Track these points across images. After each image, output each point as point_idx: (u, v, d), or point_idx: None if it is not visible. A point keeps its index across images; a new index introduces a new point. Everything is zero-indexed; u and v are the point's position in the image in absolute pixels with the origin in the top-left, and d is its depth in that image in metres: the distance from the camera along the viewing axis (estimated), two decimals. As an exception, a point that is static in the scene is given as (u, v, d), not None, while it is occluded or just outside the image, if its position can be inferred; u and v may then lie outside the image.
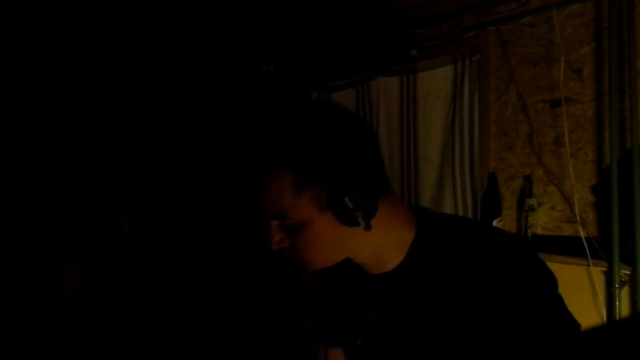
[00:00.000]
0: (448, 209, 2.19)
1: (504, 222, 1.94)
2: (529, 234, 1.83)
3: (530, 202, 1.83)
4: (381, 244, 0.80)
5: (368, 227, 0.75)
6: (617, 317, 1.59)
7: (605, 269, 1.62)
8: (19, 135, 2.39)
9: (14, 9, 2.23)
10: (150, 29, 2.54)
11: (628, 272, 1.58)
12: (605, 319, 1.62)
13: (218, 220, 2.87)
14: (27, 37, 2.43)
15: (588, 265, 1.65)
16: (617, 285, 1.58)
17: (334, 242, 0.79)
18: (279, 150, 0.76)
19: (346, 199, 0.73)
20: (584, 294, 1.66)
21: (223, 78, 3.05)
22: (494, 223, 1.90)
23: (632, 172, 1.54)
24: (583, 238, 1.66)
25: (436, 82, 2.23)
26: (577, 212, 1.72)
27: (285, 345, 2.86)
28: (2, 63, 2.37)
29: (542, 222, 1.85)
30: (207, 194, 2.85)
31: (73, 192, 2.52)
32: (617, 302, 1.59)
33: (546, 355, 0.67)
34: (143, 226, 2.75)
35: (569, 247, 1.71)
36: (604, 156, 1.69)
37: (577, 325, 0.72)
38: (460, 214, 2.15)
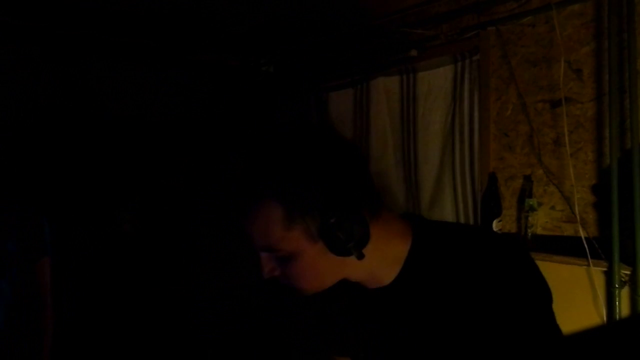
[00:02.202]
0: (448, 209, 2.19)
1: (504, 222, 1.94)
2: (529, 234, 1.83)
3: (530, 202, 1.83)
4: (376, 264, 0.79)
5: (360, 256, 0.74)
6: (617, 317, 1.59)
7: (605, 269, 1.62)
8: (19, 138, 2.39)
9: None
10: (150, 29, 2.54)
11: (628, 272, 1.57)
12: (605, 319, 1.61)
13: (216, 220, 2.87)
14: (27, 39, 2.43)
15: (588, 265, 1.64)
16: (617, 285, 1.58)
17: (326, 270, 0.78)
18: (266, 182, 0.73)
19: (338, 230, 0.72)
20: (584, 294, 1.66)
21: (223, 78, 3.05)
22: (494, 223, 1.90)
23: (632, 172, 1.54)
24: (583, 238, 1.66)
25: (436, 82, 2.23)
26: (577, 212, 1.72)
27: (285, 345, 2.86)
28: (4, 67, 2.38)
29: (542, 222, 1.85)
30: (206, 192, 2.85)
31: (74, 194, 2.52)
32: (617, 302, 1.59)
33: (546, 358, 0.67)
34: (142, 225, 2.75)
35: (569, 247, 1.71)
36: (604, 156, 1.69)
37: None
38: (461, 214, 2.15)
